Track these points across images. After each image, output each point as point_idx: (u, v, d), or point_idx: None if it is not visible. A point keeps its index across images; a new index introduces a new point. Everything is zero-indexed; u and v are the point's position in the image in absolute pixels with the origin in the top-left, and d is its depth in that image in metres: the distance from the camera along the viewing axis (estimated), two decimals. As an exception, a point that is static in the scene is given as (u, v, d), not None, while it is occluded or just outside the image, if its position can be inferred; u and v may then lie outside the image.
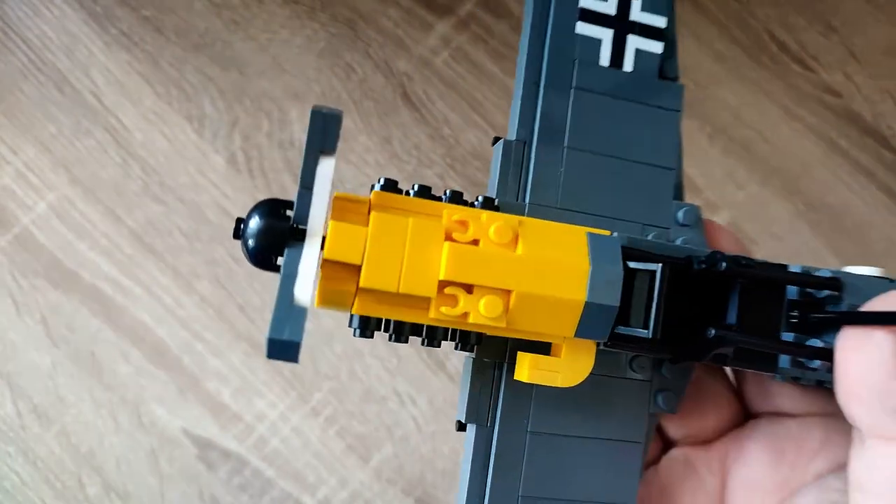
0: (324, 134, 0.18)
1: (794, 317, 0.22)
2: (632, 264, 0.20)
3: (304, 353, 0.49)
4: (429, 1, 0.54)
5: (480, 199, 0.22)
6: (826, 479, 0.23)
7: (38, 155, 0.50)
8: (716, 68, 0.55)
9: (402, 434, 0.48)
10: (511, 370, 0.22)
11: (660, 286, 0.20)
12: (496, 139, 0.24)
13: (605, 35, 0.23)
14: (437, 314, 0.19)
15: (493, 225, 0.20)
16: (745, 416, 0.26)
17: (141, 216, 0.50)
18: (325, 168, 0.19)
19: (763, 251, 0.52)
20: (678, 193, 0.24)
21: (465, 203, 0.21)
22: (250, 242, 0.19)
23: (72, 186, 0.50)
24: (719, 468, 0.25)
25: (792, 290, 0.22)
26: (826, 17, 0.56)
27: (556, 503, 0.22)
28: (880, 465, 0.20)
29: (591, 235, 0.21)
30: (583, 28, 0.23)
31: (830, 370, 0.21)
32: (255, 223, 0.19)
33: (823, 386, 0.23)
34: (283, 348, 0.17)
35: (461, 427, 0.23)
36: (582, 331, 0.20)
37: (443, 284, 0.19)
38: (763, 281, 0.22)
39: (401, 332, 0.21)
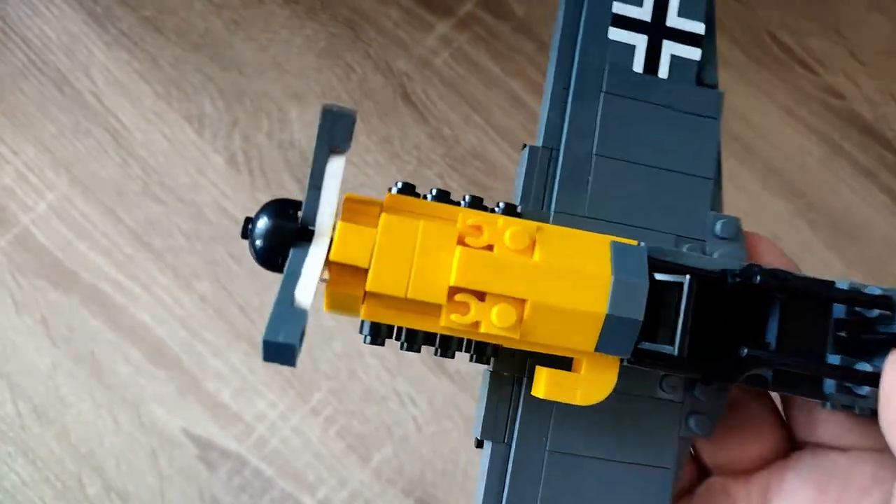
0: (334, 132, 0.18)
1: (841, 338, 0.20)
2: (659, 276, 0.19)
3: (304, 353, 0.49)
4: (429, 1, 0.54)
5: (502, 205, 0.21)
6: None
7: (38, 155, 0.50)
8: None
9: (402, 434, 0.48)
10: (530, 385, 0.21)
11: (687, 299, 0.19)
12: (524, 146, 0.23)
13: (639, 41, 0.23)
14: (447, 322, 0.18)
15: (508, 230, 0.19)
16: (791, 446, 0.24)
17: (141, 216, 0.50)
18: (335, 167, 0.18)
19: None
20: (716, 205, 0.23)
21: (484, 209, 0.21)
22: (257, 243, 0.19)
23: (72, 186, 0.50)
24: (759, 501, 0.23)
25: (839, 310, 0.21)
26: (828, 18, 0.55)
27: None
28: None
29: (614, 244, 0.20)
30: (616, 34, 0.23)
31: None
32: (262, 223, 0.19)
33: (877, 416, 0.21)
34: (279, 351, 0.16)
35: (479, 444, 0.22)
36: (602, 345, 0.19)
37: (454, 291, 0.18)
38: (805, 296, 0.20)
39: (413, 340, 0.20)
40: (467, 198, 0.20)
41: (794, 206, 0.53)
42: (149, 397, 0.47)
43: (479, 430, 0.21)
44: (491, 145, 0.52)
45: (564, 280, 0.19)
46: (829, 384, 0.20)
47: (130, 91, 0.52)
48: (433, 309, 0.19)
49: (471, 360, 0.21)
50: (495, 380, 0.21)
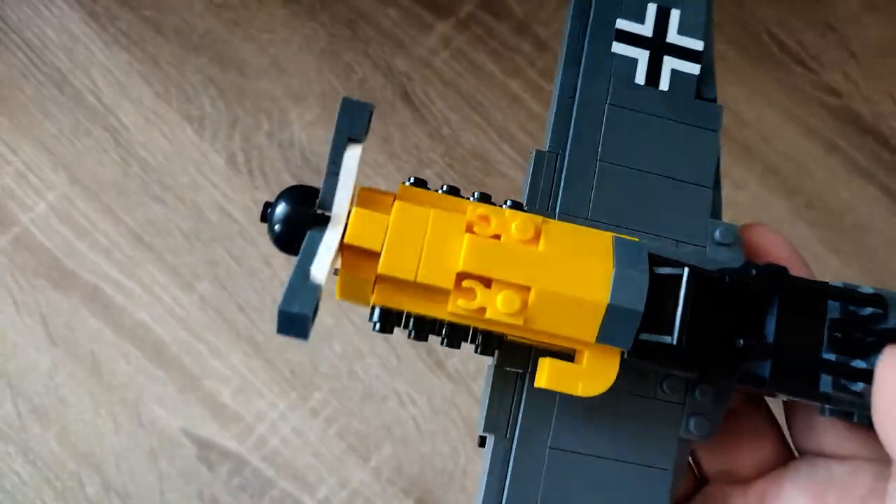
0: (352, 123, 0.19)
1: (836, 338, 0.21)
2: (658, 270, 0.20)
3: (303, 353, 0.49)
4: (429, 1, 0.54)
5: (509, 202, 0.21)
6: None
7: (38, 155, 0.50)
8: (715, 68, 0.55)
9: (401, 434, 0.48)
10: (533, 381, 0.21)
11: (686, 290, 0.19)
12: (532, 151, 0.24)
13: (641, 55, 0.24)
14: (454, 307, 0.19)
15: (515, 220, 0.20)
16: (789, 455, 0.24)
17: (141, 216, 0.50)
18: (352, 156, 0.19)
19: (762, 251, 0.52)
20: (716, 212, 0.23)
21: (493, 205, 0.21)
22: (276, 227, 0.20)
23: (72, 186, 0.50)
24: None
25: (834, 311, 0.21)
26: (825, 17, 0.56)
27: None
28: None
29: (616, 239, 0.20)
30: (619, 48, 0.24)
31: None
32: (281, 208, 0.20)
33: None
34: (293, 322, 0.17)
35: (482, 443, 0.22)
36: (604, 336, 0.19)
37: (461, 277, 0.19)
38: (800, 294, 0.21)
39: (421, 328, 0.21)
40: (476, 194, 0.21)
41: (792, 205, 0.53)
42: (149, 397, 0.47)
43: (482, 424, 0.21)
44: (490, 145, 0.53)
45: (568, 270, 0.19)
46: (826, 382, 0.20)
47: (130, 91, 0.52)
48: (441, 294, 0.19)
49: (476, 350, 0.21)
50: (499, 375, 0.22)
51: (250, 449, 0.47)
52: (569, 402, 0.21)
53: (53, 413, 0.47)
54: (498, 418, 0.21)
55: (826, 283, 0.21)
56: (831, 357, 0.21)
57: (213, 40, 0.53)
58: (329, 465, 0.47)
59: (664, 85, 0.24)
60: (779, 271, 0.21)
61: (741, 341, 0.20)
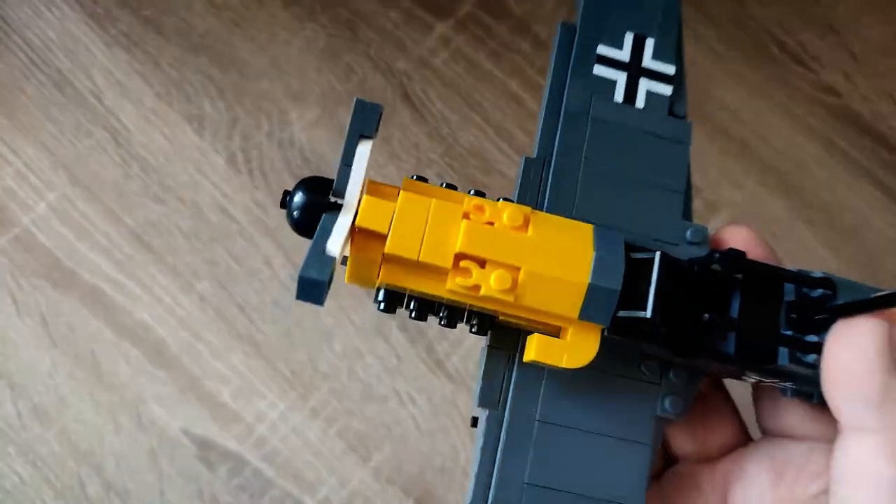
0: (364, 121, 0.21)
1: (793, 319, 0.23)
2: (634, 255, 0.22)
3: (303, 353, 0.49)
4: (428, 2, 0.54)
5: (501, 199, 0.24)
6: (820, 498, 0.23)
7: (38, 155, 0.50)
8: (714, 68, 0.55)
9: (401, 433, 0.48)
10: (522, 359, 0.24)
11: (658, 270, 0.22)
12: (523, 158, 0.26)
13: (620, 77, 0.27)
14: (452, 285, 0.21)
15: (507, 210, 0.22)
16: (749, 437, 0.26)
17: (141, 216, 0.50)
18: (363, 151, 0.21)
19: (762, 251, 0.52)
20: (688, 214, 0.26)
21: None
22: (294, 213, 0.22)
23: (72, 186, 0.50)
24: (721, 485, 0.25)
25: (790, 293, 0.23)
26: (825, 17, 0.56)
27: (560, 494, 0.23)
28: (854, 455, 0.20)
29: (596, 227, 0.23)
30: (600, 70, 0.27)
31: None
32: (299, 197, 0.22)
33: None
34: (311, 287, 0.19)
35: (474, 423, 0.24)
36: (585, 312, 0.22)
37: (458, 258, 0.21)
38: (759, 277, 0.23)
39: (422, 308, 0.23)
40: (472, 191, 0.24)
41: (791, 204, 0.53)
42: (149, 397, 0.48)
43: (477, 399, 0.24)
44: (489, 144, 0.53)
45: (554, 253, 0.22)
46: (783, 355, 0.22)
47: (131, 91, 0.52)
48: (441, 273, 0.22)
49: (471, 330, 0.23)
50: (492, 354, 0.24)
51: (250, 449, 0.47)
52: (556, 380, 0.24)
53: (53, 413, 0.47)
54: (491, 393, 0.24)
55: (781, 268, 0.24)
56: (788, 333, 0.23)
57: (213, 41, 0.53)
58: (329, 465, 0.47)
59: (640, 104, 0.27)
60: (737, 255, 0.23)
61: (706, 316, 0.22)
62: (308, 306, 0.48)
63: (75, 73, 0.52)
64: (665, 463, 0.27)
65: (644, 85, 0.27)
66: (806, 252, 0.52)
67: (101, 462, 0.47)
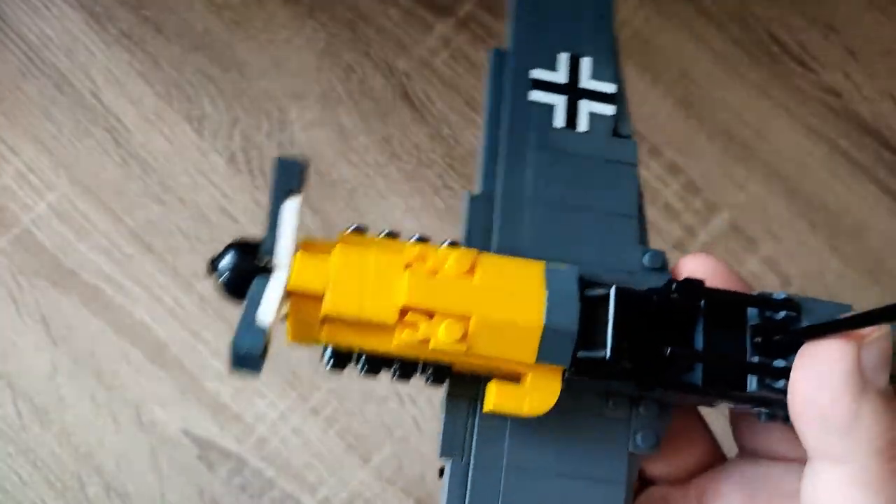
0: (288, 179, 0.20)
1: (758, 343, 0.22)
2: (589, 292, 0.21)
3: (304, 353, 0.49)
4: (429, 1, 0.54)
5: (447, 242, 0.23)
6: None
7: (38, 155, 0.50)
8: (715, 68, 0.55)
9: (401, 434, 0.48)
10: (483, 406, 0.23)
11: (615, 307, 0.21)
12: (466, 193, 0.26)
13: (559, 101, 0.25)
14: (399, 340, 0.20)
15: (451, 256, 0.21)
16: (722, 456, 0.26)
17: (141, 216, 0.50)
18: (292, 206, 0.20)
19: (763, 251, 0.52)
20: (643, 239, 0.25)
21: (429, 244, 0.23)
22: (221, 280, 0.21)
23: (72, 186, 0.50)
24: None
25: (754, 317, 0.23)
26: (826, 17, 0.56)
27: None
28: (824, 485, 0.20)
29: (547, 266, 0.22)
30: (536, 95, 0.25)
31: None
32: (226, 262, 0.21)
33: None
34: (244, 360, 0.18)
35: (441, 473, 0.23)
36: (543, 356, 0.20)
37: (404, 311, 0.20)
38: (720, 305, 0.22)
39: (372, 364, 0.22)
40: (416, 236, 0.22)
41: (793, 205, 0.53)
42: (149, 397, 0.48)
43: (440, 448, 0.22)
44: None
45: (504, 297, 0.21)
46: (752, 382, 0.22)
47: (130, 91, 0.52)
48: (387, 329, 0.20)
49: (426, 381, 0.22)
50: (452, 403, 0.23)
51: (250, 449, 0.47)
52: (521, 424, 0.22)
53: (53, 413, 0.47)
54: (454, 442, 0.22)
55: (742, 293, 0.23)
56: (755, 360, 0.22)
57: (213, 40, 0.53)
58: (329, 465, 0.47)
59: (583, 127, 0.25)
60: (693, 284, 0.22)
61: (668, 349, 0.21)
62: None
63: (74, 73, 0.52)
64: (639, 485, 0.26)
65: (585, 107, 0.26)
66: (807, 253, 0.52)
67: (102, 462, 0.47)
